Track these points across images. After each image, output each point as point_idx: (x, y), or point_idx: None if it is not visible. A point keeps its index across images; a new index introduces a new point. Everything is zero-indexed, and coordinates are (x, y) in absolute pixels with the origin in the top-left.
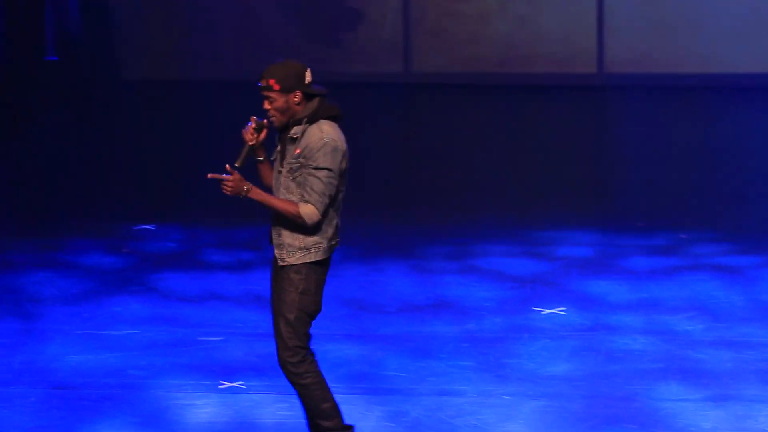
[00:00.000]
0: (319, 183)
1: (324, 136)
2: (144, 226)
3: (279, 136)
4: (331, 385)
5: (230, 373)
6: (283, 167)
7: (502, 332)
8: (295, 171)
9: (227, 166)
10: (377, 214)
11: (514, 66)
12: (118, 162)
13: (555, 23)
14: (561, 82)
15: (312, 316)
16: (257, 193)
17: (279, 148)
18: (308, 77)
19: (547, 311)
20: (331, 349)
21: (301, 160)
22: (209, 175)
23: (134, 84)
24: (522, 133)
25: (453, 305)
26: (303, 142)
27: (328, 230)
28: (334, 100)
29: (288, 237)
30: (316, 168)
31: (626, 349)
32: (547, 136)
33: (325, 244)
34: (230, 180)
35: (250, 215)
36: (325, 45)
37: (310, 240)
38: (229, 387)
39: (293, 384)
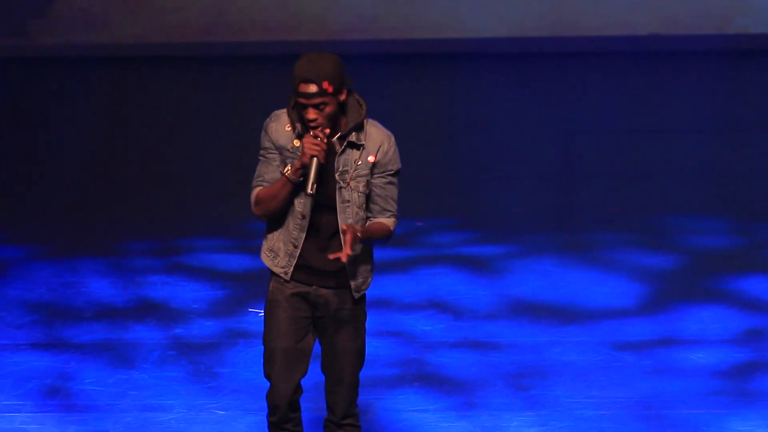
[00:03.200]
0: (396, 189)
1: (390, 135)
2: None
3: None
4: (18, 402)
5: None
6: (342, 182)
7: (215, 338)
8: (367, 183)
9: (342, 226)
10: (69, 207)
11: (223, 35)
12: None
13: None
14: (278, 51)
15: None
16: (364, 232)
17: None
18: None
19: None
20: (18, 360)
21: (375, 169)
22: (331, 256)
23: None
24: (231, 108)
25: (158, 308)
26: (371, 147)
27: None
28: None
29: (363, 261)
30: (395, 174)
31: None
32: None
33: None
34: (352, 241)
35: None
36: (15, 17)
37: (372, 259)
38: None
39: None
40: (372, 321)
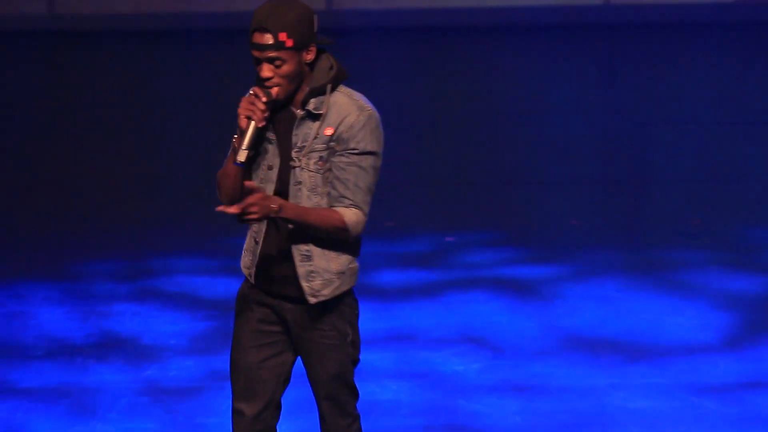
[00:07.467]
0: (366, 175)
1: (365, 107)
2: None
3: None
4: None
5: None
6: (296, 159)
7: (197, 381)
8: (326, 161)
9: (246, 183)
10: (11, 219)
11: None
12: None
13: None
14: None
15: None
16: (290, 209)
17: (273, 130)
18: (316, 23)
19: None
20: None
21: (332, 144)
22: (219, 208)
23: None
24: (214, 92)
25: (126, 344)
26: (334, 119)
27: (359, 242)
28: None
29: (321, 259)
30: (360, 153)
31: (372, 399)
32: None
33: (358, 264)
34: (254, 203)
35: None
36: None
37: (345, 259)
38: None
39: None
40: (392, 360)
